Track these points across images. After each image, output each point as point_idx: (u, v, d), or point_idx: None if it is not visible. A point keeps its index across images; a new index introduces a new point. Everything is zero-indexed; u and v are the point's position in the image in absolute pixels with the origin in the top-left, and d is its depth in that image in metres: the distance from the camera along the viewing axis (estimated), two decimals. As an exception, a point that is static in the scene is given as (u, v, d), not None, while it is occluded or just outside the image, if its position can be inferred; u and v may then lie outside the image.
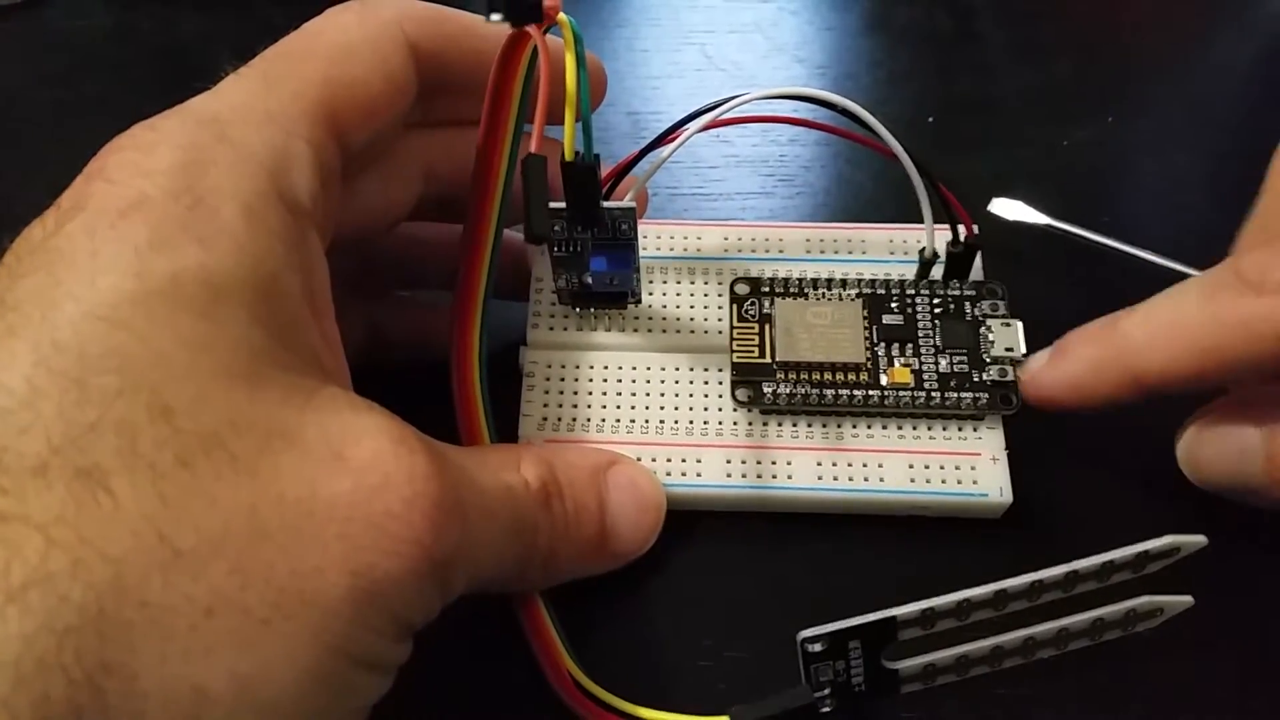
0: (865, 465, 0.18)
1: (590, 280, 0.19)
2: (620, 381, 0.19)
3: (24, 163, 0.25)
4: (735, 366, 0.19)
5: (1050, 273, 0.22)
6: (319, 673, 0.11)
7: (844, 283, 0.19)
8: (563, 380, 0.19)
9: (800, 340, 0.19)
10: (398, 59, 0.15)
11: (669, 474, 0.18)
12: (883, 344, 0.19)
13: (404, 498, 0.12)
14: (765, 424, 0.19)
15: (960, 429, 0.19)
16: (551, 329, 0.20)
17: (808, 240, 0.21)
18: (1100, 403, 0.17)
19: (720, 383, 0.19)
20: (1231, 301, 0.15)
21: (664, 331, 0.20)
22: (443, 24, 0.16)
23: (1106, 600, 0.15)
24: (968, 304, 0.19)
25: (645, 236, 0.21)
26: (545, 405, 0.19)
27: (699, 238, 0.21)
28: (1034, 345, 0.18)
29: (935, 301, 0.19)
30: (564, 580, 0.17)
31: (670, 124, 0.18)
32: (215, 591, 0.11)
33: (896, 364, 0.19)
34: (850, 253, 0.21)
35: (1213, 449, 0.17)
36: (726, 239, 0.21)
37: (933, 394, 0.18)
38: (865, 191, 0.24)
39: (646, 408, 0.19)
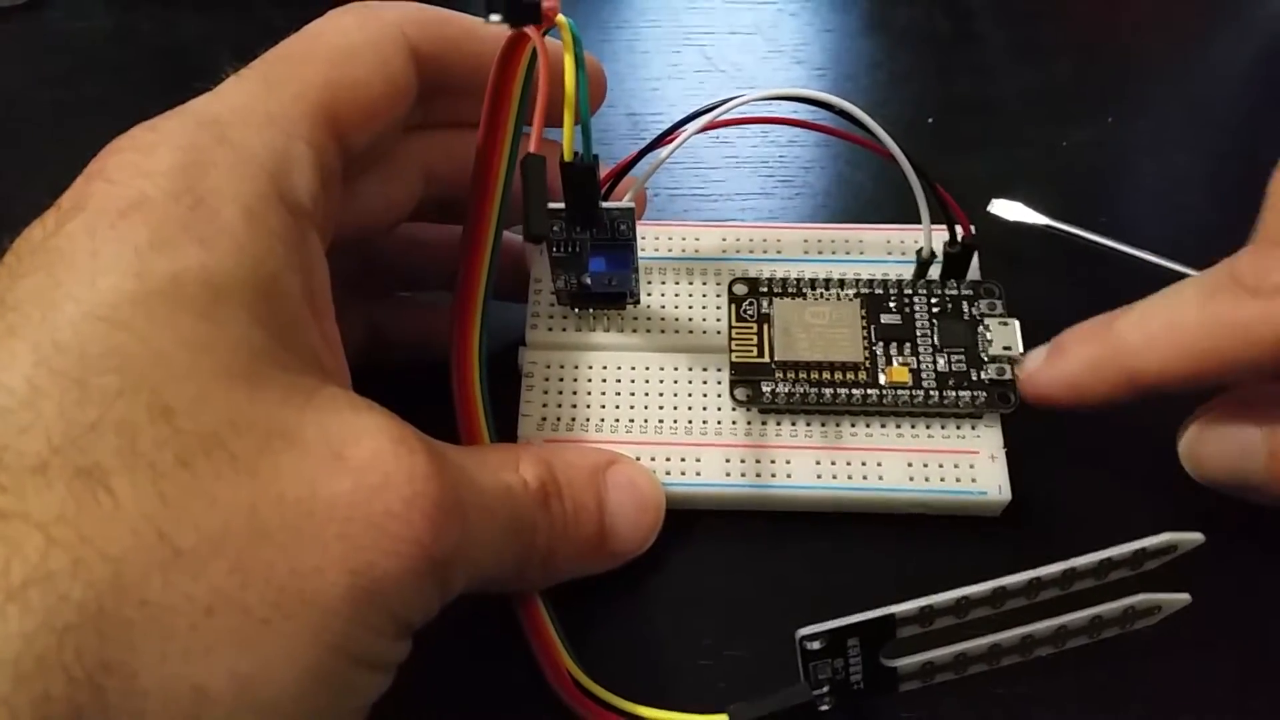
0: (864, 464, 0.18)
1: (589, 281, 0.19)
2: (619, 381, 0.19)
3: (24, 163, 0.25)
4: (734, 366, 0.19)
5: (1050, 273, 0.22)
6: (319, 672, 0.11)
7: (842, 282, 0.20)
8: (562, 380, 0.19)
9: (799, 340, 0.19)
10: (398, 61, 0.15)
11: (668, 473, 0.18)
12: (881, 343, 0.19)
13: (403, 497, 0.12)
14: (764, 423, 0.19)
15: (958, 427, 0.19)
16: (550, 329, 0.20)
17: (805, 241, 0.21)
18: (1097, 402, 0.17)
19: (719, 382, 0.19)
20: (1228, 305, 0.15)
21: (663, 332, 0.20)
22: (443, 26, 0.16)
23: (1104, 598, 0.15)
24: (965, 303, 0.19)
25: (643, 237, 0.21)
26: (544, 405, 0.19)
27: (697, 238, 0.21)
28: (1033, 346, 0.18)
29: (933, 301, 0.19)
30: (563, 580, 0.17)
31: (669, 125, 0.18)
32: (215, 591, 0.11)
33: (895, 363, 0.19)
34: (848, 253, 0.21)
35: (1214, 446, 0.17)
36: (724, 239, 0.21)
37: (931, 393, 0.18)
38: (865, 192, 0.24)
39: (645, 407, 0.19)
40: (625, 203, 0.18)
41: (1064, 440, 0.19)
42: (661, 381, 0.19)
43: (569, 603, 0.17)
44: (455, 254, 0.17)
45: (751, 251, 0.21)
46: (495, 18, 0.14)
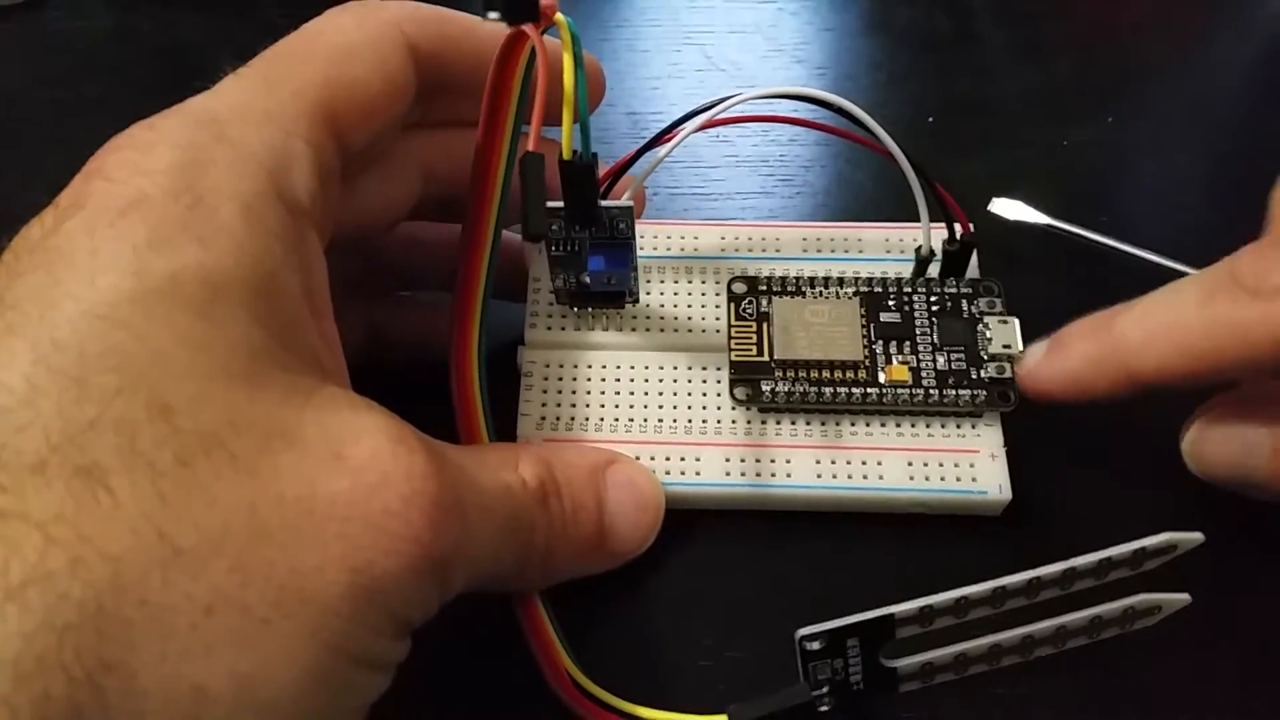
0: (864, 463, 0.18)
1: (588, 280, 0.19)
2: (618, 381, 0.19)
3: (24, 163, 0.25)
4: (733, 365, 0.19)
5: (1050, 273, 0.22)
6: (318, 671, 0.11)
7: (841, 281, 0.19)
8: (561, 380, 0.19)
9: (798, 338, 0.19)
10: (397, 60, 0.15)
11: (668, 473, 0.18)
12: (880, 342, 0.19)
13: (402, 496, 0.12)
14: (764, 422, 0.19)
15: (959, 426, 0.19)
16: (549, 329, 0.20)
17: (804, 239, 0.21)
18: (1096, 398, 0.17)
19: (719, 381, 0.19)
20: (1228, 305, 0.15)
21: (662, 331, 0.20)
22: (442, 25, 0.16)
23: (1104, 598, 0.15)
24: (965, 301, 0.19)
25: (643, 236, 0.21)
26: (544, 405, 0.19)
27: (696, 237, 0.21)
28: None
29: (933, 299, 0.19)
30: (562, 579, 0.17)
31: (669, 123, 0.18)
32: (215, 590, 0.11)
33: (894, 362, 0.19)
34: (847, 252, 0.21)
35: (1218, 443, 0.17)
36: (724, 238, 0.21)
37: (931, 391, 0.18)
38: (865, 191, 0.24)
39: (645, 407, 0.19)
40: (624, 201, 0.18)
41: (1064, 439, 0.19)
42: (661, 381, 0.19)
43: (568, 603, 0.17)
44: (455, 253, 0.17)
45: (751, 250, 0.21)
46: (493, 15, 0.14)
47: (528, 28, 0.14)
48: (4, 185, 0.24)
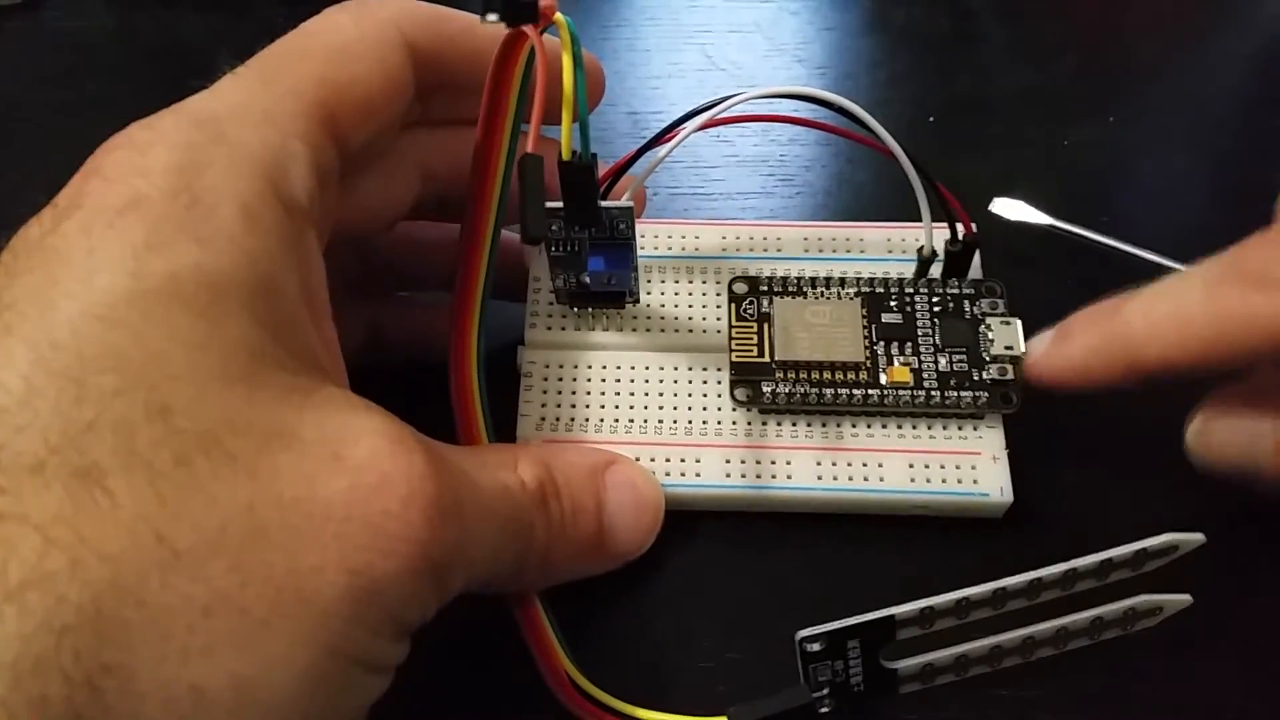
0: (865, 465, 0.18)
1: (588, 280, 0.19)
2: (619, 381, 0.19)
3: (24, 163, 0.25)
4: (734, 366, 0.19)
5: (1051, 272, 0.22)
6: (317, 673, 0.11)
7: (842, 281, 0.19)
8: (561, 380, 0.19)
9: (799, 339, 0.19)
10: (395, 58, 0.15)
11: (668, 474, 0.18)
12: (882, 343, 0.19)
13: (401, 497, 0.12)
14: (764, 423, 0.19)
15: (960, 428, 0.19)
16: (549, 329, 0.20)
17: (805, 239, 0.21)
18: (1100, 387, 0.17)
19: (719, 382, 0.19)
20: (1233, 296, 0.15)
21: (662, 331, 0.20)
22: (440, 23, 0.16)
23: (1105, 599, 0.15)
24: (967, 302, 0.19)
25: (643, 236, 0.21)
26: (543, 405, 0.19)
27: (697, 237, 0.21)
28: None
29: (934, 300, 0.19)
30: (562, 581, 0.17)
31: (669, 123, 0.18)
32: (213, 591, 0.11)
33: (896, 363, 0.19)
34: (848, 252, 0.21)
35: (1222, 435, 0.17)
36: (724, 238, 0.21)
37: (932, 393, 0.18)
38: (866, 191, 0.24)
39: (645, 407, 0.19)
40: (624, 201, 0.18)
41: (1065, 441, 0.19)
42: (661, 381, 0.19)
43: (567, 604, 0.17)
44: (454, 253, 0.17)
45: (752, 250, 0.21)
46: (492, 17, 0.14)
47: (527, 28, 0.14)
48: (3, 185, 0.24)
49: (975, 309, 0.19)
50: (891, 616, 0.15)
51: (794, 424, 0.19)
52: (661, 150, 0.18)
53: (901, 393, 0.18)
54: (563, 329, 0.20)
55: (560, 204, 0.17)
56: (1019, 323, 0.19)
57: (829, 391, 0.18)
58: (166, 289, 0.12)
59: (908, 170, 0.18)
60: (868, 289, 0.19)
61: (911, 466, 0.18)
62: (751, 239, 0.21)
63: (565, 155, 0.16)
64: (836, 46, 0.28)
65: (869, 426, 0.19)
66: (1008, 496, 0.18)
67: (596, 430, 0.19)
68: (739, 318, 0.19)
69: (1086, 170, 0.25)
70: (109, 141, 0.13)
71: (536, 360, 0.19)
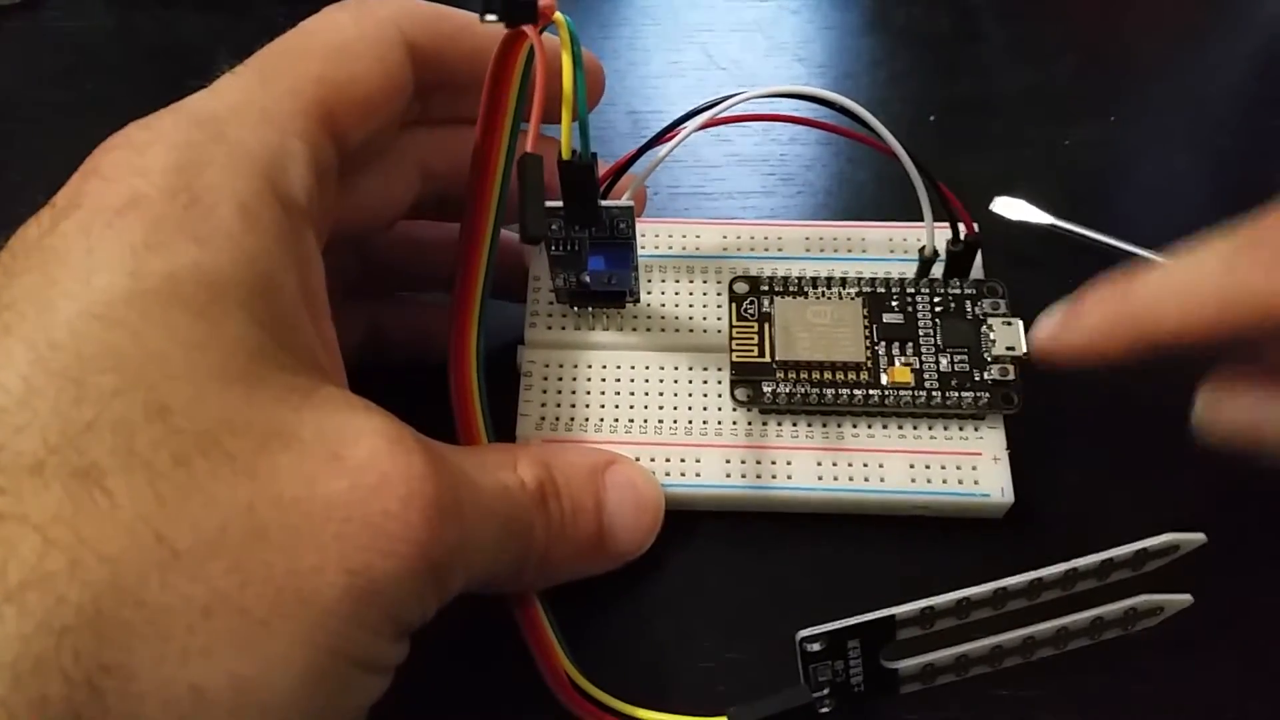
0: (866, 465, 0.18)
1: (588, 279, 0.19)
2: (619, 381, 0.19)
3: (23, 162, 0.25)
4: (734, 366, 0.19)
5: (1053, 272, 0.22)
6: (317, 673, 0.11)
7: (844, 281, 0.19)
8: (560, 380, 0.19)
9: (800, 339, 0.19)
10: (394, 57, 0.15)
11: (668, 474, 0.18)
12: (883, 343, 0.19)
13: (400, 497, 0.12)
14: (765, 424, 0.19)
15: (961, 428, 0.19)
16: (549, 328, 0.20)
17: (807, 239, 0.21)
18: (1112, 362, 0.16)
19: (719, 382, 0.19)
20: (1251, 270, 0.15)
21: (663, 331, 0.20)
22: (439, 22, 0.16)
23: (1106, 599, 0.15)
24: (968, 303, 0.19)
25: (643, 235, 0.21)
26: (543, 405, 0.19)
27: (698, 236, 0.21)
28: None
29: (936, 300, 0.19)
30: (562, 581, 0.17)
31: (670, 122, 0.18)
32: (213, 591, 0.11)
33: (897, 363, 0.19)
34: (850, 251, 0.21)
35: (1229, 409, 0.16)
36: (725, 237, 0.21)
37: (933, 393, 0.18)
38: (866, 190, 0.24)
39: (645, 407, 0.19)
40: (624, 201, 0.18)
41: (1066, 441, 0.19)
42: (661, 381, 0.19)
43: (567, 604, 0.17)
44: (453, 253, 0.17)
45: (753, 249, 0.21)
46: (491, 17, 0.14)
47: (526, 27, 0.14)
48: (2, 185, 0.24)
49: (976, 309, 0.19)
50: (892, 616, 0.15)
51: (794, 424, 0.19)
52: (662, 149, 0.18)
53: (902, 393, 0.18)
54: (563, 329, 0.20)
55: (560, 203, 0.17)
56: (1020, 323, 0.19)
57: (830, 392, 0.18)
58: (165, 288, 0.12)
59: (909, 170, 0.18)
60: (869, 289, 0.19)
61: (912, 467, 0.18)
62: (752, 238, 0.21)
63: (565, 154, 0.16)
64: (837, 46, 0.28)
65: (870, 427, 0.19)
66: (1009, 497, 0.18)
67: (596, 430, 0.19)
68: (740, 317, 0.19)
69: (1087, 170, 0.25)
70: (107, 141, 0.13)
71: (536, 360, 0.19)
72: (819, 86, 0.18)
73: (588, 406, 0.19)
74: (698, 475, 0.18)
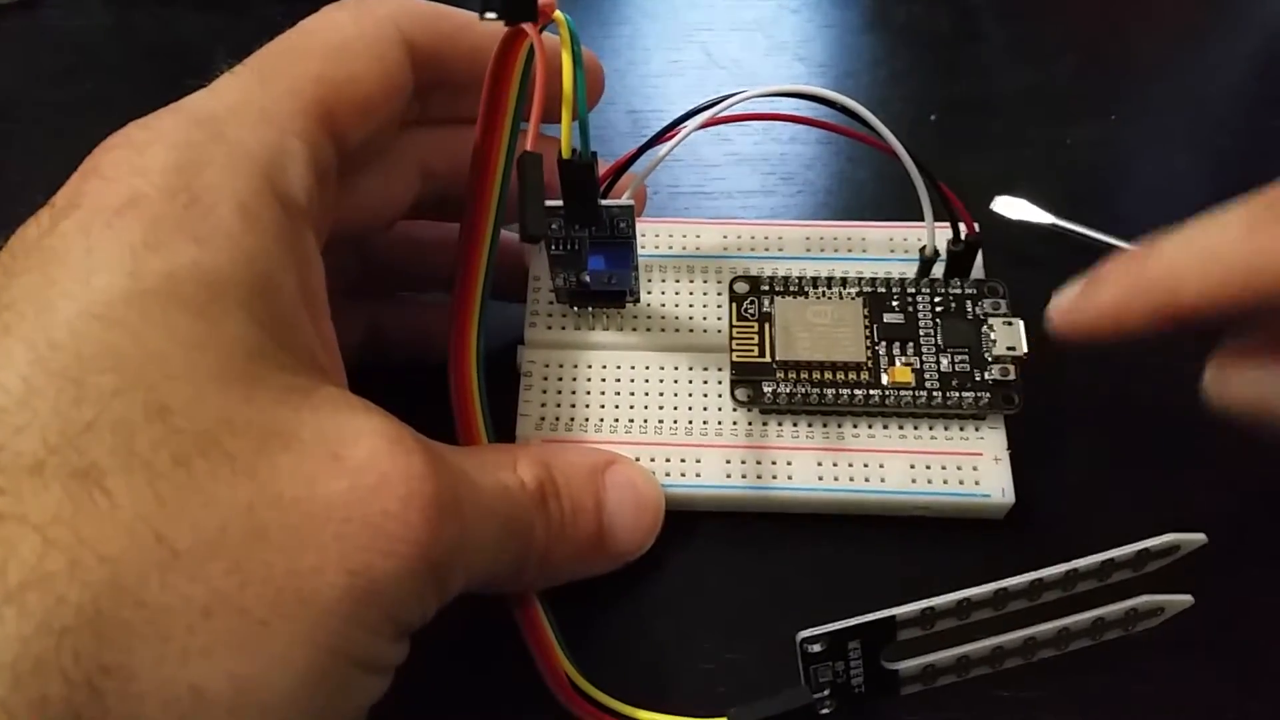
0: (866, 465, 0.18)
1: (588, 279, 0.19)
2: (619, 381, 0.19)
3: (22, 162, 0.25)
4: (735, 366, 0.19)
5: (1053, 272, 0.22)
6: (317, 673, 0.11)
7: (844, 281, 0.19)
8: (560, 380, 0.19)
9: (800, 339, 0.19)
10: (393, 56, 0.15)
11: (668, 474, 0.18)
12: (883, 343, 0.19)
13: (400, 497, 0.12)
14: (765, 424, 0.19)
15: (962, 429, 0.19)
16: (549, 328, 0.20)
17: (807, 238, 0.21)
18: (1132, 332, 0.16)
19: (720, 382, 0.19)
20: (1276, 238, 0.14)
21: (663, 330, 0.20)
22: (439, 21, 0.16)
23: (1107, 600, 0.15)
24: (969, 303, 0.19)
25: (644, 234, 0.21)
26: (543, 405, 0.19)
27: (698, 236, 0.21)
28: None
29: (936, 300, 0.19)
30: (562, 581, 0.17)
31: (670, 122, 0.18)
32: (213, 592, 0.11)
33: (897, 363, 0.19)
34: (850, 251, 0.21)
35: (1240, 380, 0.16)
36: (725, 237, 0.21)
37: (934, 393, 0.18)
38: (867, 190, 0.24)
39: (645, 407, 0.19)
40: (625, 200, 0.18)
41: (1066, 441, 0.19)
42: (661, 381, 0.19)
43: (567, 604, 0.17)
44: (453, 253, 0.17)
45: (753, 249, 0.21)
46: (491, 16, 0.14)
47: (526, 25, 0.14)
48: (2, 185, 0.24)
49: (977, 309, 0.19)
50: (893, 617, 0.15)
51: (795, 424, 0.19)
52: (662, 149, 0.18)
53: (903, 393, 0.18)
54: (563, 328, 0.20)
55: (560, 202, 0.17)
56: (1021, 323, 0.19)
57: (830, 392, 0.18)
58: (164, 288, 0.12)
59: (910, 169, 0.18)
60: (869, 289, 0.19)
61: (913, 467, 0.18)
62: (753, 238, 0.21)
63: (565, 153, 0.16)
64: (837, 44, 0.28)
65: (870, 427, 0.19)
66: (1009, 498, 0.18)
67: (596, 430, 0.19)
68: (740, 317, 0.19)
69: (1088, 170, 0.25)
70: (107, 141, 0.13)
71: (536, 360, 0.19)
72: (819, 85, 0.18)
73: (588, 406, 0.19)
74: (698, 475, 0.18)
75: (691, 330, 0.20)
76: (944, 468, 0.18)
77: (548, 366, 0.19)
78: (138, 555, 0.10)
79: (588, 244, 0.18)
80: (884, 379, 0.18)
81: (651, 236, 0.21)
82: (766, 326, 0.19)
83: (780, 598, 0.18)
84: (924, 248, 0.20)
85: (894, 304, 0.19)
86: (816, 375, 0.18)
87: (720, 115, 0.18)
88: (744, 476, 0.18)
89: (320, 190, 0.14)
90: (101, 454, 0.11)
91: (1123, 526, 0.15)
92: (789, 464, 0.18)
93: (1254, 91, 0.27)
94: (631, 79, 0.27)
